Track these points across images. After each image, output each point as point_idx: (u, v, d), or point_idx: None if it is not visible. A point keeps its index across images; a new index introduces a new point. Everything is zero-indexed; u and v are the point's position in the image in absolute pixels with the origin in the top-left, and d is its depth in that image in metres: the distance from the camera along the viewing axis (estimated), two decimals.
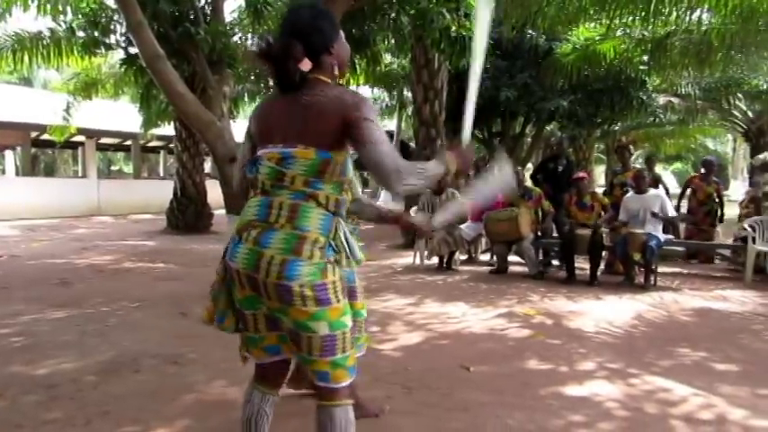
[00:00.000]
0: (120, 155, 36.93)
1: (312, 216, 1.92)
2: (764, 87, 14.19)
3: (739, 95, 15.12)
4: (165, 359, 4.07)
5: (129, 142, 21.71)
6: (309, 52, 1.95)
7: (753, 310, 5.99)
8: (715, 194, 9.18)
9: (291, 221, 1.91)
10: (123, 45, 7.81)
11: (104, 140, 22.47)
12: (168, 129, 14.31)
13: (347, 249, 2.01)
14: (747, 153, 21.37)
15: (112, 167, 40.23)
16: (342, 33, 2.10)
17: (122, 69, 9.66)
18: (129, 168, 32.44)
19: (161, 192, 16.02)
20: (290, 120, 1.97)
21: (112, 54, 10.75)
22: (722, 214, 9.23)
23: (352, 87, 16.66)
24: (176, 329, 4.89)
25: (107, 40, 7.83)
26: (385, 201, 22.44)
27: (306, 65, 1.95)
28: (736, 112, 16.61)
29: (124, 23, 6.55)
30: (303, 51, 1.94)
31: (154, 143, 22.77)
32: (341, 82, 2.13)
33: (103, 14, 7.57)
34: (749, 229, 7.63)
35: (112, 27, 7.64)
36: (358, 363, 2.09)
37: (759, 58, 10.84)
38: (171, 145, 17.72)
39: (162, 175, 25.64)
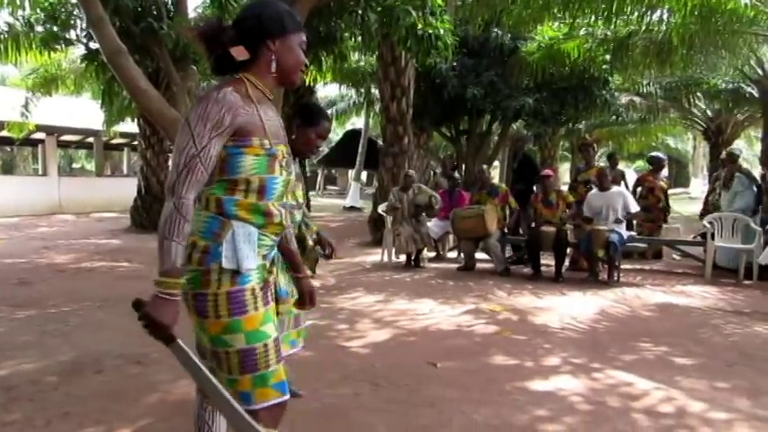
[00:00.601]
0: (82, 152, 36.18)
1: (197, 219, 1.79)
2: (723, 87, 14.56)
3: (699, 95, 15.46)
4: (129, 359, 4.01)
5: (91, 139, 21.23)
6: (243, 39, 1.84)
7: (712, 305, 6.14)
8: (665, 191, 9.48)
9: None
10: (84, 40, 7.64)
11: (65, 137, 21.95)
12: (132, 126, 14.06)
13: (222, 256, 1.78)
14: (707, 151, 21.90)
15: (74, 165, 39.38)
16: (297, 38, 1.92)
17: (83, 65, 9.47)
18: (91, 166, 31.80)
19: (125, 190, 15.73)
20: None
21: (73, 49, 10.51)
22: (668, 210, 9.52)
23: (320, 85, 16.62)
24: (140, 329, 4.72)
25: (67, 36, 7.66)
26: (353, 199, 22.38)
27: (240, 52, 1.83)
28: (695, 111, 17.00)
29: (85, 18, 6.40)
30: (235, 36, 1.84)
31: (117, 140, 22.27)
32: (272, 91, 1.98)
33: (63, 9, 7.40)
34: (708, 226, 7.82)
35: (72, 22, 7.47)
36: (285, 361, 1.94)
37: (717, 58, 11.10)
38: (135, 142, 17.44)
39: (126, 172, 25.13)
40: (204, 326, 1.84)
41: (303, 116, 3.07)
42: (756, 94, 13.72)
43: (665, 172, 9.69)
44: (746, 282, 7.34)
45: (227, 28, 1.85)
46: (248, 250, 1.80)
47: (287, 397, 1.91)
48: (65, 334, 4.65)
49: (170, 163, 1.61)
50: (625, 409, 3.29)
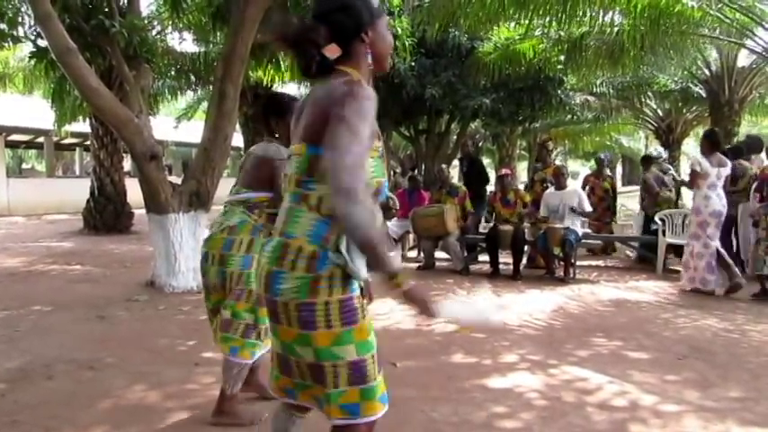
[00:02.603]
0: (33, 152, 35.16)
1: (302, 221, 1.68)
2: (672, 87, 14.96)
3: (650, 94, 15.86)
4: (81, 364, 3.91)
5: (41, 139, 20.65)
6: (336, 37, 1.72)
7: (663, 300, 6.31)
8: (610, 189, 9.76)
9: (285, 227, 1.72)
10: (32, 37, 7.39)
11: (14, 137, 21.30)
12: (84, 125, 13.69)
13: (348, 263, 1.66)
14: (661, 150, 22.47)
15: (24, 166, 38.19)
16: (383, 20, 1.81)
17: (32, 63, 9.17)
18: (42, 166, 30.90)
19: (77, 191, 15.30)
20: (301, 117, 1.79)
21: (21, 47, 10.20)
22: (615, 207, 9.82)
23: (278, 85, 16.48)
24: (93, 333, 4.70)
25: (14, 32, 7.39)
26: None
27: (332, 51, 1.71)
28: (647, 111, 17.44)
29: (33, 15, 6.20)
30: (328, 36, 1.71)
31: (69, 140, 21.71)
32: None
33: (9, 5, 7.15)
34: (659, 223, 8.03)
35: (20, 19, 7.22)
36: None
37: (667, 59, 11.38)
38: (87, 142, 17.00)
39: (78, 173, 24.50)
40: (309, 339, 1.66)
41: (276, 109, 3.03)
42: (704, 94, 14.16)
43: (619, 170, 9.99)
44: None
45: (319, 28, 1.71)
46: (361, 256, 1.66)
47: (386, 408, 1.81)
48: (13, 339, 4.51)
49: (335, 166, 1.52)
50: (580, 403, 3.35)
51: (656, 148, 13.54)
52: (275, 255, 1.69)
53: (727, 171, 6.68)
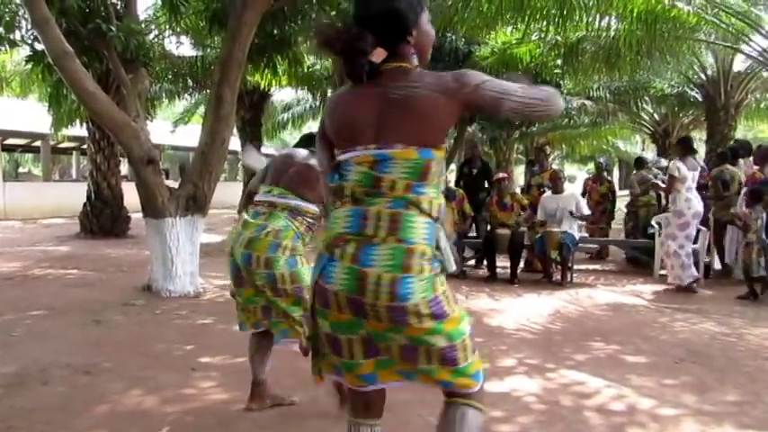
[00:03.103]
0: (29, 156, 35.10)
1: (417, 226, 1.68)
2: (669, 91, 15.01)
3: (646, 99, 15.91)
4: (77, 369, 3.89)
5: (38, 143, 20.64)
6: (383, 41, 1.70)
7: (660, 303, 6.32)
8: (609, 194, 9.81)
9: (394, 233, 1.67)
10: (29, 41, 7.39)
11: (10, 141, 21.28)
12: (81, 129, 13.68)
13: (445, 258, 1.77)
14: (655, 154, 22.53)
15: (20, 170, 38.10)
16: (426, 15, 1.79)
17: (29, 67, 9.16)
18: (38, 170, 30.85)
19: (74, 195, 15.27)
20: (382, 116, 1.71)
21: (18, 50, 10.18)
22: (613, 211, 9.86)
23: (275, 89, 16.51)
24: (89, 338, 4.68)
25: (11, 36, 7.39)
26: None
27: (379, 55, 1.70)
28: (643, 115, 17.48)
29: (30, 19, 6.20)
30: (374, 43, 1.68)
31: (66, 144, 21.73)
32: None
33: (6, 9, 7.15)
34: (656, 226, 8.04)
35: (17, 22, 7.21)
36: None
37: (663, 64, 11.42)
38: (84, 146, 16.99)
39: (75, 177, 24.47)
40: (441, 328, 1.71)
41: None
42: (700, 99, 14.20)
43: (616, 174, 10.09)
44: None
45: (366, 36, 1.68)
46: (450, 251, 1.81)
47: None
48: (8, 344, 4.49)
49: (522, 98, 1.70)
50: (578, 407, 3.35)
51: (653, 156, 13.65)
52: (398, 261, 1.66)
53: (697, 174, 7.08)
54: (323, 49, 1.74)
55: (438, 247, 1.74)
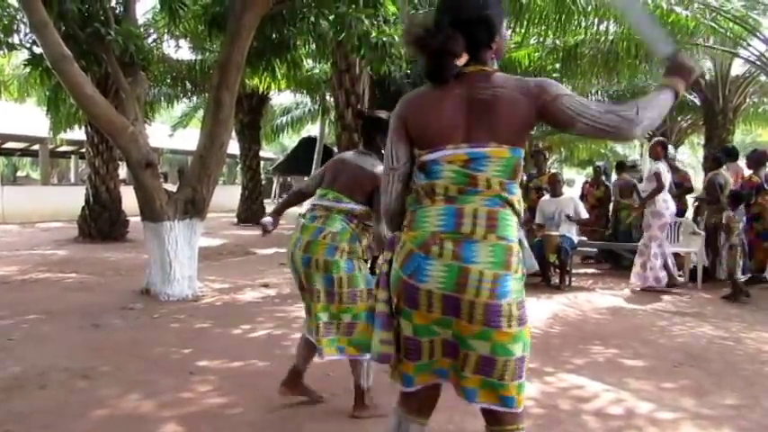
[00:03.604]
0: (27, 160, 35.10)
1: (512, 224, 1.73)
2: None
3: None
4: (75, 373, 3.88)
5: (36, 147, 20.64)
6: (470, 46, 1.74)
7: (659, 307, 6.32)
8: (604, 198, 9.85)
9: (493, 230, 1.70)
10: (27, 45, 7.39)
11: (9, 145, 21.29)
12: (80, 133, 13.68)
13: (527, 257, 1.83)
14: (633, 156, 22.57)
15: (18, 173, 38.10)
16: (504, 24, 1.86)
17: (27, 70, 9.18)
18: (37, 174, 30.84)
19: (72, 199, 15.24)
20: (471, 116, 1.74)
21: (17, 54, 10.20)
22: (608, 215, 9.89)
23: (274, 93, 16.52)
24: (87, 342, 4.67)
25: (9, 40, 7.40)
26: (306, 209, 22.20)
27: (463, 59, 1.74)
28: None
29: (28, 23, 6.21)
30: (465, 47, 1.72)
31: (64, 148, 21.72)
32: None
33: (5, 13, 7.16)
34: None
35: (15, 26, 7.23)
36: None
37: (661, 68, 11.44)
38: (83, 150, 16.99)
39: (73, 181, 24.46)
40: (523, 334, 1.74)
41: (382, 127, 3.07)
42: (698, 102, 14.24)
43: (614, 178, 10.14)
44: (691, 284, 7.57)
45: (459, 38, 1.71)
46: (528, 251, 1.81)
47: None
48: (7, 348, 4.47)
49: (597, 115, 1.74)
50: (576, 411, 3.35)
51: (632, 158, 13.76)
52: (500, 258, 1.69)
53: (670, 175, 7.37)
54: (412, 48, 1.77)
55: (522, 246, 1.78)
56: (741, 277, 6.80)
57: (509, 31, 11.30)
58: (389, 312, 1.85)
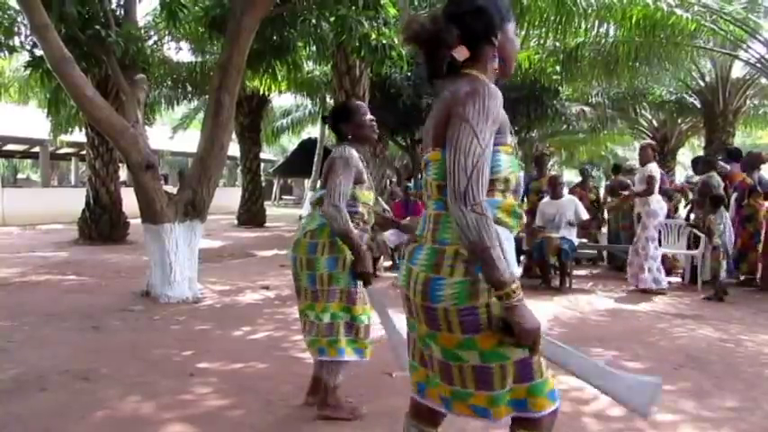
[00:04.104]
0: (28, 162, 35.14)
1: (453, 226, 1.62)
2: (667, 98, 15.05)
3: (645, 105, 15.98)
4: (75, 375, 3.88)
5: (37, 149, 20.66)
6: (466, 39, 1.69)
7: (659, 309, 6.32)
8: (596, 200, 9.93)
9: (434, 234, 1.71)
10: (28, 47, 7.40)
11: (9, 147, 21.31)
12: (80, 135, 13.70)
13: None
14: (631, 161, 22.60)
15: (19, 176, 38.14)
16: (512, 25, 1.79)
17: (28, 72, 9.19)
18: (37, 176, 30.86)
19: (73, 201, 15.26)
20: (430, 121, 1.76)
21: (17, 56, 10.21)
22: (601, 218, 9.95)
23: (274, 94, 16.53)
24: (88, 344, 4.67)
25: (10, 42, 7.41)
26: (309, 207, 22.20)
27: (461, 53, 1.69)
28: (642, 121, 17.53)
29: (29, 25, 6.21)
30: (458, 37, 1.68)
31: (64, 150, 21.77)
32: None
33: (5, 15, 7.17)
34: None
35: (16, 29, 7.23)
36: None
37: (662, 70, 11.47)
38: (83, 152, 17.01)
39: (74, 183, 24.48)
40: (474, 342, 1.63)
41: (342, 115, 3.24)
42: (699, 105, 14.24)
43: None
44: (691, 286, 7.57)
45: (451, 29, 1.67)
46: (512, 256, 1.68)
47: (559, 404, 1.82)
48: (6, 350, 4.47)
49: (452, 167, 1.53)
50: (576, 414, 3.35)
51: (628, 162, 13.86)
52: (430, 262, 1.67)
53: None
54: (408, 43, 1.77)
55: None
56: (725, 278, 6.96)
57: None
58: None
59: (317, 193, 3.19)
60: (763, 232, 7.56)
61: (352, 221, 3.00)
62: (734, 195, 7.83)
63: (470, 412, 1.75)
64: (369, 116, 3.23)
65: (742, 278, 7.81)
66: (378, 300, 3.10)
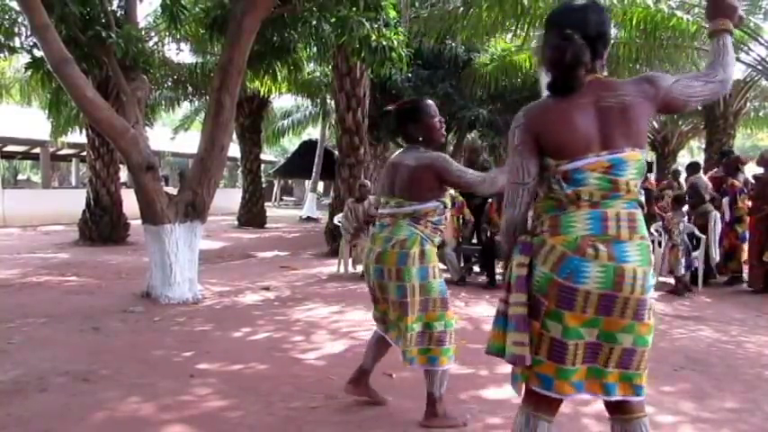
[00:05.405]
0: (28, 163, 35.15)
1: (644, 224, 1.91)
2: None
3: None
4: (75, 376, 3.88)
5: (37, 150, 20.66)
6: (593, 55, 1.90)
7: (659, 311, 6.30)
8: None
9: (635, 231, 1.86)
10: (29, 48, 7.40)
11: (10, 148, 21.32)
12: (80, 136, 13.70)
13: None
14: (654, 161, 22.57)
15: (19, 177, 38.15)
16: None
17: (28, 73, 9.18)
18: (38, 177, 30.87)
19: (73, 202, 15.25)
20: (605, 123, 1.85)
21: (18, 57, 10.22)
22: None
23: (275, 96, 16.55)
24: (88, 345, 4.68)
25: (10, 43, 7.41)
26: (310, 209, 22.22)
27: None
28: None
29: (29, 26, 6.21)
30: (590, 54, 1.87)
31: (65, 151, 21.77)
32: None
33: (6, 16, 7.17)
34: (654, 234, 8.05)
35: (16, 29, 7.23)
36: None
37: (662, 71, 11.46)
38: (84, 153, 17.02)
39: (74, 184, 24.49)
40: (652, 327, 1.93)
41: (411, 115, 3.15)
42: (699, 107, 14.22)
43: None
44: (692, 287, 7.57)
45: (586, 51, 1.85)
46: None
47: None
48: (6, 352, 4.47)
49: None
50: (576, 414, 3.34)
51: None
52: (646, 256, 1.86)
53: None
54: (547, 62, 1.93)
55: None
56: (684, 273, 7.24)
57: (510, 35, 11.36)
58: (527, 314, 1.91)
59: (407, 206, 3.04)
60: (748, 233, 7.80)
61: (438, 228, 3.08)
62: (725, 199, 8.04)
63: (632, 392, 1.92)
64: (438, 117, 3.16)
65: (725, 279, 8.02)
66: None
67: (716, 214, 7.71)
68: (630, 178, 1.85)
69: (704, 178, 8.13)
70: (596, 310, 1.83)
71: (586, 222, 1.85)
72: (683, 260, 7.19)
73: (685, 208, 7.73)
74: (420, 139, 3.10)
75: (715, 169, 9.08)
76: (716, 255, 7.62)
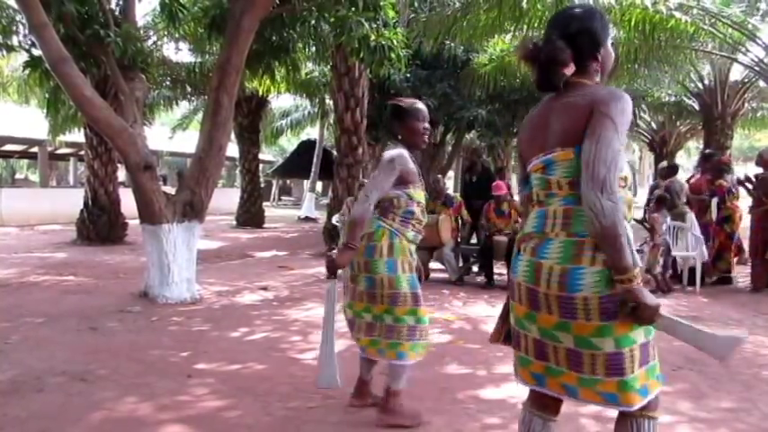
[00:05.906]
0: (26, 162, 35.12)
1: (586, 219, 1.77)
2: (666, 100, 15.07)
3: (644, 107, 15.98)
4: (72, 376, 3.87)
5: (35, 149, 20.64)
6: (576, 57, 1.88)
7: None
8: None
9: (566, 228, 1.83)
10: (26, 47, 7.39)
11: (8, 147, 21.29)
12: (78, 135, 13.67)
13: None
14: (652, 161, 22.60)
15: (17, 176, 38.11)
16: (609, 37, 1.99)
17: (26, 72, 9.17)
18: (35, 177, 30.83)
19: (71, 201, 15.21)
20: (549, 127, 1.89)
21: (16, 56, 10.22)
22: None
23: (273, 95, 16.55)
24: (85, 345, 4.67)
25: (8, 42, 7.40)
26: (308, 209, 22.18)
27: (570, 69, 1.89)
28: (641, 123, 17.54)
29: (27, 24, 6.20)
30: (571, 57, 1.86)
31: (63, 150, 21.74)
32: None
33: (4, 14, 7.17)
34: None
35: (14, 28, 7.22)
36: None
37: (660, 72, 11.48)
38: (81, 152, 17.00)
39: (72, 183, 24.46)
40: (611, 329, 1.77)
41: (399, 114, 3.16)
42: (697, 107, 14.26)
43: None
44: (689, 288, 7.58)
45: (566, 49, 1.85)
46: (631, 245, 1.84)
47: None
48: (4, 351, 4.46)
49: (593, 157, 1.70)
50: (574, 414, 3.34)
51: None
52: (569, 253, 1.79)
53: None
54: (525, 61, 1.93)
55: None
56: (660, 272, 7.36)
57: (509, 36, 11.35)
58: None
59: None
60: (738, 233, 7.91)
61: (409, 222, 3.06)
62: (714, 200, 8.15)
63: (600, 399, 1.84)
64: (425, 124, 3.17)
65: (714, 278, 8.05)
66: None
67: (691, 215, 7.94)
68: (561, 177, 1.85)
69: (680, 181, 8.33)
70: (528, 303, 1.88)
71: (534, 220, 1.93)
72: (660, 260, 7.34)
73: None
74: (400, 138, 3.15)
75: (694, 174, 9.16)
76: (705, 254, 7.69)
